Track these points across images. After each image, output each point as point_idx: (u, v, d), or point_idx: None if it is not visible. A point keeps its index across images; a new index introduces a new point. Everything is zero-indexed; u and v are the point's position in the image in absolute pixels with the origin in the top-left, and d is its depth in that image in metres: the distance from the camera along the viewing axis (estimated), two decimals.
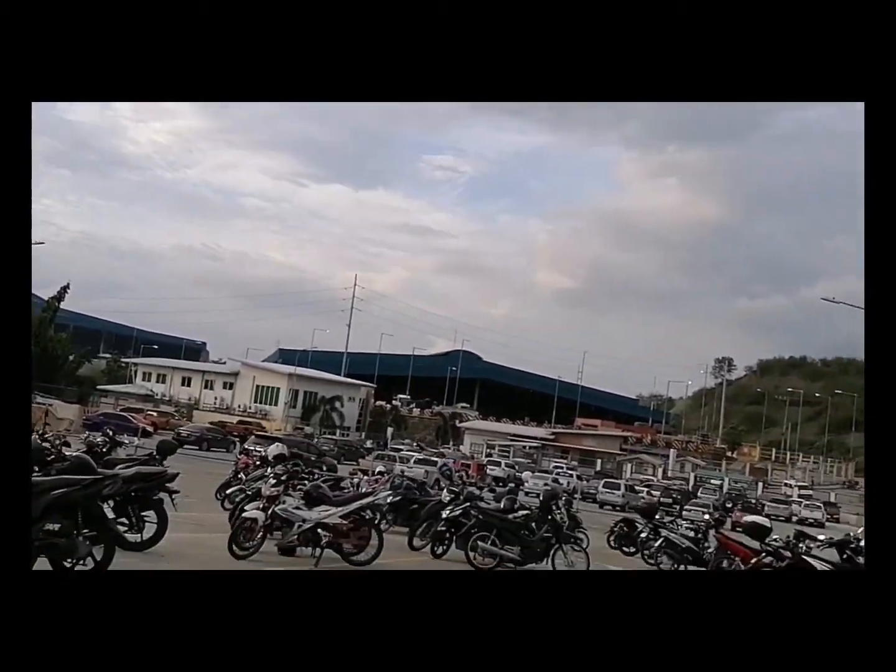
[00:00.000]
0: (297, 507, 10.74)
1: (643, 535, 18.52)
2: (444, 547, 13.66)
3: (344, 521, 10.79)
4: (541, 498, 14.19)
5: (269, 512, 10.69)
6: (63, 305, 59.57)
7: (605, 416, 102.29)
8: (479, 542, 12.60)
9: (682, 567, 16.15)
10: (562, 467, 56.23)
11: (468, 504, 13.60)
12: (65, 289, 61.33)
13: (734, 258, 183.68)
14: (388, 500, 15.31)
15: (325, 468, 23.26)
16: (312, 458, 27.25)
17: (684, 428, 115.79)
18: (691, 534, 17.28)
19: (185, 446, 37.69)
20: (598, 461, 68.96)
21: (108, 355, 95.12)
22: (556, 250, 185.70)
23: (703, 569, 16.48)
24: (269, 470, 12.81)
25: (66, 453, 11.80)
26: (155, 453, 12.73)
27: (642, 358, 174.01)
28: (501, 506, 13.72)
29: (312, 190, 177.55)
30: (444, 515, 13.71)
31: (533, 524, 13.28)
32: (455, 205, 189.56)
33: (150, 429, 45.46)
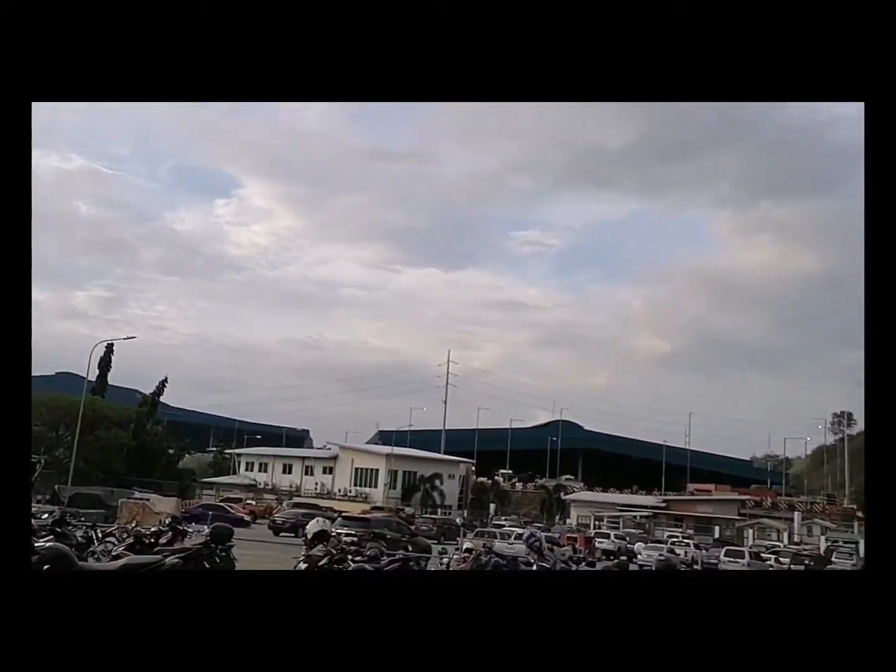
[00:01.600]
0: None
1: None
2: None
3: None
4: (654, 568, 12.04)
5: None
6: (174, 403, 61.52)
7: (719, 480, 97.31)
8: None
9: None
10: (677, 536, 52.91)
11: None
12: (163, 383, 63.16)
13: (841, 309, 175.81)
14: None
15: (410, 548, 21.64)
16: (403, 539, 25.81)
17: (806, 488, 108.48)
18: None
19: (282, 534, 37.12)
20: (716, 528, 64.62)
21: (214, 449, 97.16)
22: (652, 315, 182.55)
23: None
24: (303, 552, 11.37)
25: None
26: (209, 540, 11.65)
27: (753, 418, 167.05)
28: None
29: (406, 275, 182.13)
30: None
31: None
32: (544, 278, 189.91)
33: (247, 518, 45.37)
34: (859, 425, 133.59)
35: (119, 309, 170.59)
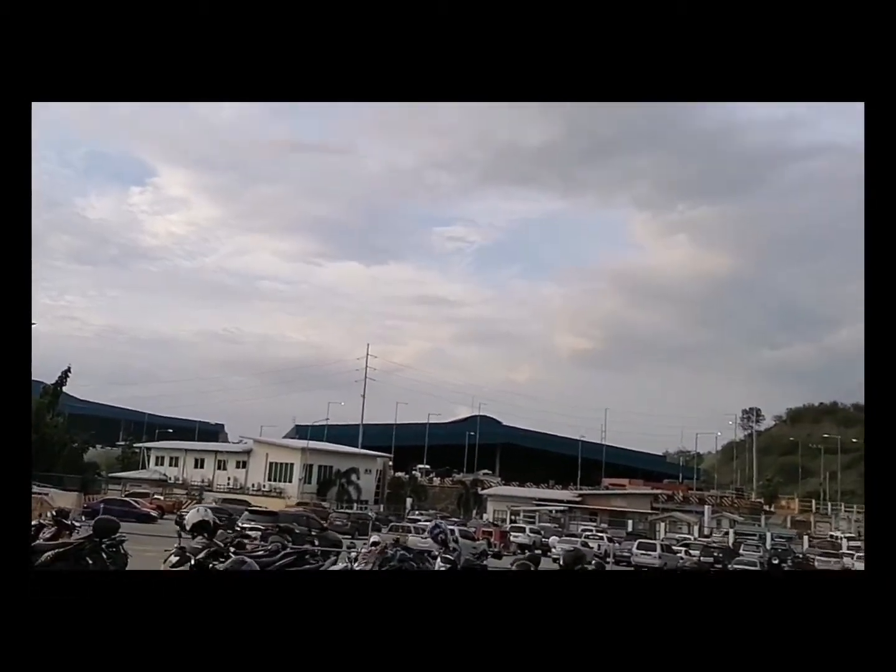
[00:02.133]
0: None
1: None
2: None
3: None
4: (561, 563, 10.55)
5: None
6: (84, 396, 58.78)
7: (633, 475, 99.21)
8: None
9: None
10: (591, 530, 53.40)
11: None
12: (66, 373, 60.09)
13: (753, 309, 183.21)
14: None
15: (317, 542, 20.76)
16: (312, 533, 24.93)
17: (716, 483, 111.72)
18: None
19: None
20: (629, 522, 65.58)
21: (123, 443, 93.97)
22: (573, 312, 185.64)
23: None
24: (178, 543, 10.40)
25: None
26: (92, 534, 10.58)
27: (667, 414, 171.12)
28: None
29: (327, 269, 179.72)
30: None
31: None
32: (467, 274, 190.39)
33: (154, 514, 43.52)
34: (767, 421, 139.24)
35: None
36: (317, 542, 20.57)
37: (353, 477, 76.32)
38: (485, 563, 12.47)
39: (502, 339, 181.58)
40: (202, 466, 79.68)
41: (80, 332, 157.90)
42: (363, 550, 16.38)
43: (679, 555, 42.89)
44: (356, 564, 15.89)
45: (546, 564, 12.16)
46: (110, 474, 75.17)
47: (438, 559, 11.32)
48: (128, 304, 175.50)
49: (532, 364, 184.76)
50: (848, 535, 69.63)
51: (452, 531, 13.99)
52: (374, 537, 16.61)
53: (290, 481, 73.52)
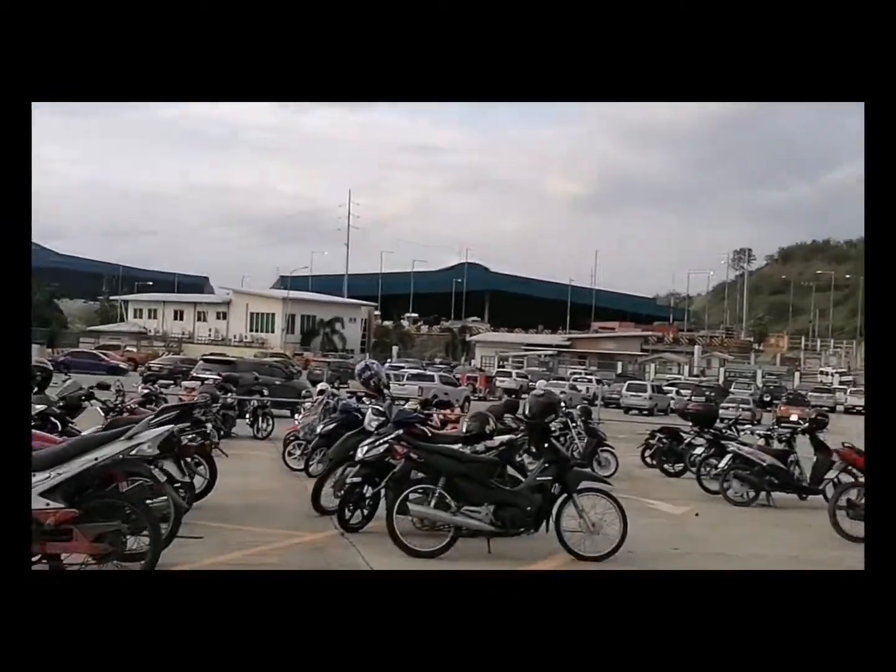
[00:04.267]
0: None
1: (697, 450, 13.77)
2: (357, 510, 7.85)
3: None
4: (526, 412, 7.66)
5: None
6: (73, 252, 56.73)
7: (623, 319, 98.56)
8: (411, 504, 7.00)
9: (763, 494, 11.44)
10: (580, 373, 52.40)
11: (396, 432, 7.78)
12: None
13: (744, 149, 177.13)
14: (319, 431, 10.55)
15: (265, 392, 18.67)
16: (277, 383, 22.92)
17: (707, 324, 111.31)
18: (774, 444, 12.44)
19: (160, 381, 33.97)
20: (619, 364, 64.71)
21: (102, 297, 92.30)
22: (565, 157, 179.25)
23: (799, 495, 11.81)
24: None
25: None
26: None
27: (659, 257, 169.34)
28: (465, 429, 8.26)
29: (313, 116, 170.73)
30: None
31: (521, 458, 8.39)
32: (460, 119, 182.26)
33: (124, 366, 42.18)
34: (759, 261, 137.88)
35: None
36: (264, 392, 18.40)
37: (338, 326, 75.48)
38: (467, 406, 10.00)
39: (494, 186, 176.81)
40: (182, 319, 78.20)
41: (63, 186, 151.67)
42: (307, 403, 14.30)
43: (670, 395, 41.83)
44: (299, 416, 13.90)
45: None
46: (89, 328, 74.01)
47: (369, 413, 8.80)
48: (111, 155, 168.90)
49: (523, 211, 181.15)
50: (839, 370, 69.35)
51: (388, 375, 11.12)
52: (319, 385, 14.47)
53: (273, 332, 72.51)
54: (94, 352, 46.30)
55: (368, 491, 7.91)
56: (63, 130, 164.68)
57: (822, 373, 68.44)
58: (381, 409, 8.56)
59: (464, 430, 8.35)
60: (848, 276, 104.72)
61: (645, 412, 37.73)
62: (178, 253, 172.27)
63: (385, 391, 9.16)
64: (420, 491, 7.17)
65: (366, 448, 7.92)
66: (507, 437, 8.03)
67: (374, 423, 8.47)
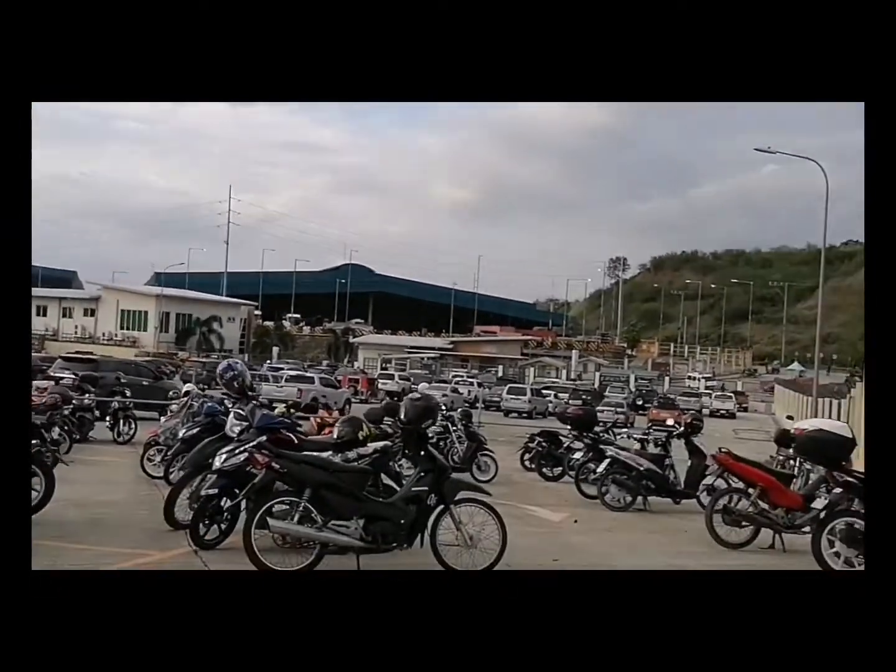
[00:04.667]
0: None
1: (577, 454, 13.73)
2: (214, 524, 7.16)
3: None
4: (402, 417, 7.15)
5: None
6: None
7: (504, 323, 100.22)
8: (271, 519, 6.30)
9: (639, 499, 11.46)
10: (462, 376, 52.60)
11: (258, 439, 7.03)
12: None
13: (623, 163, 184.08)
14: (180, 435, 9.75)
15: (128, 393, 17.45)
16: (144, 384, 21.59)
17: (584, 329, 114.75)
18: (650, 447, 12.49)
19: None
20: (500, 368, 65.51)
21: None
22: (450, 162, 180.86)
23: (674, 499, 11.88)
24: None
25: None
26: None
27: (539, 263, 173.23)
28: (336, 436, 7.72)
29: (188, 108, 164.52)
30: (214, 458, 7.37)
31: (400, 465, 8.03)
32: (341, 119, 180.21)
33: None
34: (633, 270, 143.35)
35: None
36: (128, 394, 17.13)
37: (215, 325, 72.77)
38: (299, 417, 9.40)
39: (378, 189, 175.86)
40: (45, 314, 73.54)
41: None
42: (172, 406, 13.37)
43: (548, 398, 42.50)
44: (165, 418, 12.97)
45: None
46: None
47: (230, 417, 8.10)
48: None
49: (408, 215, 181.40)
50: (704, 375, 72.72)
51: (253, 378, 10.38)
52: (185, 386, 13.56)
53: (146, 330, 69.26)
54: None
55: (227, 503, 7.16)
56: None
57: (689, 377, 71.60)
58: (243, 413, 7.88)
59: (335, 436, 7.79)
60: (713, 285, 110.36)
61: (524, 415, 38.15)
62: (41, 247, 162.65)
63: (249, 393, 8.45)
64: (283, 504, 6.50)
65: (224, 456, 7.21)
66: (381, 443, 7.56)
67: (237, 429, 7.79)
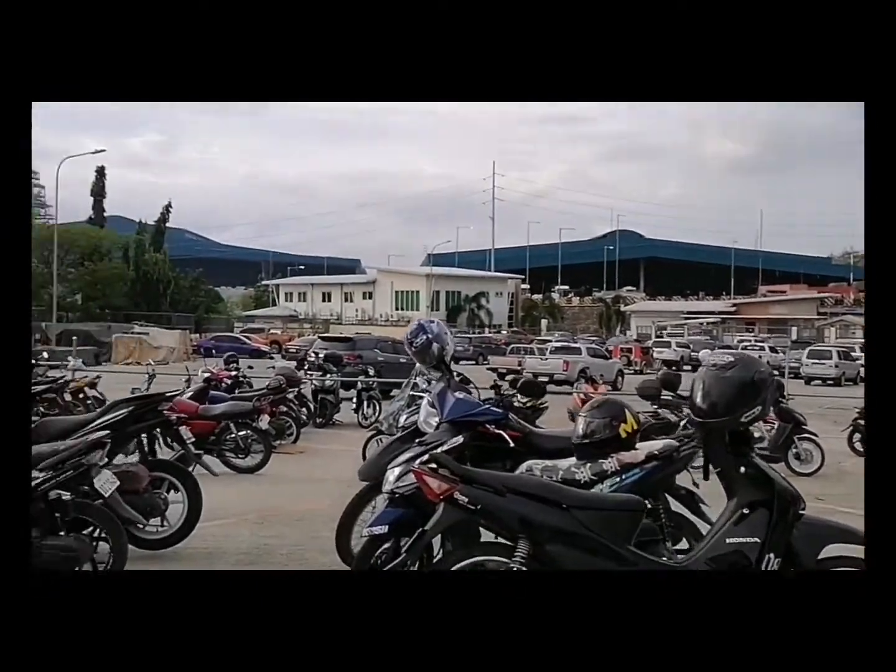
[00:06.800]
0: None
1: None
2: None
3: None
4: (698, 400, 3.81)
5: None
6: (232, 242, 60.70)
7: (794, 281, 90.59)
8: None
9: None
10: (749, 341, 47.36)
11: (444, 441, 4.55)
12: (167, 208, 59.08)
13: None
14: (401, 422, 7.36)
15: (372, 373, 16.05)
16: (402, 360, 20.35)
17: None
18: None
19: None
20: (793, 329, 58.35)
21: (259, 284, 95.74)
22: (720, 120, 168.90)
23: None
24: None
25: None
26: None
27: (831, 213, 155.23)
28: (581, 429, 4.50)
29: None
30: None
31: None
32: None
33: (265, 348, 41.92)
34: None
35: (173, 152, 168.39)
36: (371, 373, 15.72)
37: (483, 301, 73.63)
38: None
39: (643, 154, 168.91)
40: (329, 300, 78.99)
41: (225, 182, 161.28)
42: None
43: (859, 361, 36.19)
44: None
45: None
46: (245, 312, 76.59)
47: (424, 404, 5.40)
48: (264, 151, 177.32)
49: (678, 176, 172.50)
50: None
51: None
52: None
53: (418, 309, 71.71)
54: (238, 335, 46.51)
55: (406, 544, 4.34)
56: (224, 129, 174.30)
57: None
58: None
59: (579, 431, 4.53)
60: None
61: (830, 382, 32.86)
62: (328, 240, 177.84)
63: (448, 366, 5.85)
64: (493, 561, 3.67)
65: (397, 471, 4.69)
66: (660, 443, 4.51)
67: (433, 421, 5.18)
